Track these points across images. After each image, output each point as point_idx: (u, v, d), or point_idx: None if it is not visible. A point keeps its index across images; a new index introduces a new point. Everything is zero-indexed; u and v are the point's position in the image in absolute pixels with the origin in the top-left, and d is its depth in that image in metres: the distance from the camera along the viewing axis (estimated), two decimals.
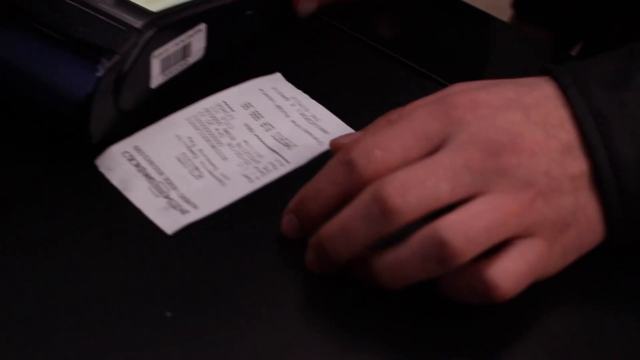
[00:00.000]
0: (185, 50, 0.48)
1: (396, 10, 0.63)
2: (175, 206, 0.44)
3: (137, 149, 0.46)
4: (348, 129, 0.51)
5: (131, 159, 0.46)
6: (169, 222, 0.43)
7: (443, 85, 0.55)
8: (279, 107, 0.51)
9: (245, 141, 0.48)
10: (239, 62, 0.54)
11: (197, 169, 0.46)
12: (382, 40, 0.59)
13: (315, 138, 0.49)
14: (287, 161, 0.48)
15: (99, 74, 0.43)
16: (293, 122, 0.50)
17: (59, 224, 0.43)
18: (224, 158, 0.47)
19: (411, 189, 0.38)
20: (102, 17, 0.45)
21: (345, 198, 0.41)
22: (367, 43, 0.59)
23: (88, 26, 0.45)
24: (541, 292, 0.41)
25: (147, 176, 0.45)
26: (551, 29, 0.92)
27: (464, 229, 0.38)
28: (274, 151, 0.48)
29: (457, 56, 0.61)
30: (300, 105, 0.51)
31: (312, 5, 0.56)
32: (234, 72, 0.53)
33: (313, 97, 0.52)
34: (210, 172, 0.46)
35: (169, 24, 0.46)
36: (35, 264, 0.41)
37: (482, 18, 0.65)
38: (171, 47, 0.47)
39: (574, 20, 0.95)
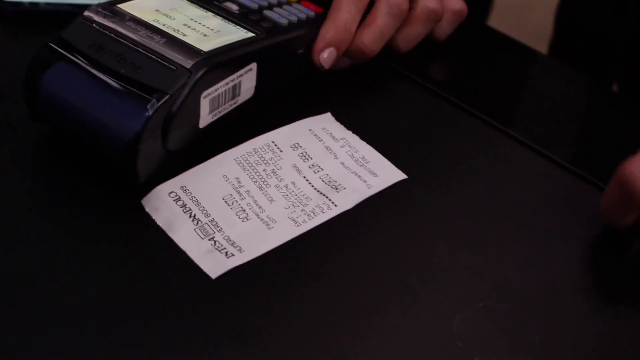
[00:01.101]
0: (234, 90, 0.48)
1: (449, 51, 0.62)
2: (220, 249, 0.43)
3: (183, 189, 0.46)
4: (398, 172, 0.50)
5: (177, 199, 0.45)
6: (214, 265, 0.43)
7: (495, 128, 0.54)
8: (328, 148, 0.50)
9: (292, 183, 0.48)
10: (289, 101, 0.54)
11: (243, 210, 0.46)
12: (435, 80, 0.59)
13: (364, 181, 0.48)
14: (334, 204, 0.47)
15: (148, 113, 0.43)
16: (342, 163, 0.49)
17: (102, 262, 0.43)
18: (271, 200, 0.46)
19: None
20: (152, 57, 0.45)
21: None
22: (420, 83, 0.58)
23: (139, 66, 0.45)
24: None
25: (193, 217, 0.45)
26: (587, 71, 0.91)
27: None
28: (322, 194, 0.47)
29: (508, 95, 0.60)
30: (349, 146, 0.51)
31: (331, 60, 0.54)
32: (283, 111, 0.53)
33: (363, 137, 0.52)
34: (257, 215, 0.45)
35: (219, 64, 0.46)
36: (76, 301, 0.41)
37: (529, 54, 0.64)
38: (221, 87, 0.47)
39: (610, 63, 0.94)
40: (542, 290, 0.45)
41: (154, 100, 0.43)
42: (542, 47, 1.10)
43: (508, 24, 1.28)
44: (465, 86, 0.59)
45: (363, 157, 0.50)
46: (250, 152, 0.49)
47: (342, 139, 0.51)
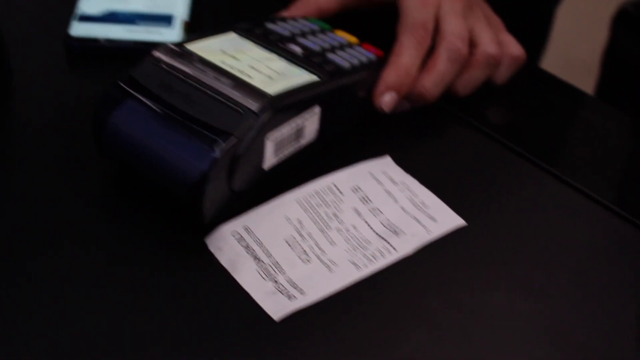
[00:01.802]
0: (298, 133, 0.49)
1: (505, 94, 0.63)
2: (282, 291, 0.44)
3: (246, 229, 0.47)
4: (457, 218, 0.50)
5: (240, 239, 0.46)
6: (276, 307, 0.43)
7: (553, 175, 0.55)
8: (388, 192, 0.51)
9: (353, 226, 0.48)
10: (349, 144, 0.55)
11: (305, 252, 0.46)
12: (493, 124, 0.59)
13: (423, 226, 0.49)
14: (394, 249, 0.47)
15: (216, 155, 0.44)
16: (402, 208, 0.50)
17: (165, 300, 0.43)
18: (332, 243, 0.47)
19: None
20: (220, 99, 0.46)
21: None
22: (478, 127, 0.58)
23: (206, 107, 0.45)
24: None
25: (256, 258, 0.45)
26: (634, 111, 0.90)
27: None
28: (382, 238, 0.48)
29: (564, 141, 0.60)
30: (409, 190, 0.51)
31: (392, 103, 0.55)
32: (344, 153, 0.53)
33: (422, 181, 0.52)
34: (318, 257, 0.46)
35: (285, 107, 0.47)
36: (139, 338, 0.41)
37: (583, 99, 0.64)
38: (286, 130, 0.47)
39: None
40: (599, 341, 0.44)
41: (221, 142, 0.44)
42: (589, 81, 1.10)
43: (556, 58, 1.28)
44: (523, 131, 0.59)
45: (422, 202, 0.50)
46: (312, 194, 0.49)
47: (401, 183, 0.52)
